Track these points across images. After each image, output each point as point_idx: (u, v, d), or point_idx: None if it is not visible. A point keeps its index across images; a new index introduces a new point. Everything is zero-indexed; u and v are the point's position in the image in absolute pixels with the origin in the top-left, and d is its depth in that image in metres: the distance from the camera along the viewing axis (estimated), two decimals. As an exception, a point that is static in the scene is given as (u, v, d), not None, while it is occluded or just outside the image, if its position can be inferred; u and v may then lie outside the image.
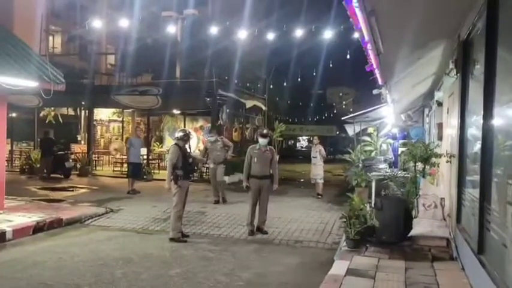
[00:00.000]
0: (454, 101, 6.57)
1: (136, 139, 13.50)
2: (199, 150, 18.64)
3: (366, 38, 4.50)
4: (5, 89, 8.45)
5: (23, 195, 10.99)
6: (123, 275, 5.72)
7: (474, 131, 5.36)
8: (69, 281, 5.43)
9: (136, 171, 13.29)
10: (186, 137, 7.82)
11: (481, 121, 4.57)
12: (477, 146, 4.98)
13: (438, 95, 9.05)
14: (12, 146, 19.32)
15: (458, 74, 6.07)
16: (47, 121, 19.60)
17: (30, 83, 8.50)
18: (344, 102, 65.20)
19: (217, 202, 11.37)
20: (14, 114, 18.96)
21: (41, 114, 19.91)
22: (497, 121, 4.23)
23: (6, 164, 13.50)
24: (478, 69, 5.01)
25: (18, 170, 17.63)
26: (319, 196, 13.08)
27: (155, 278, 5.62)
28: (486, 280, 4.04)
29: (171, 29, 18.98)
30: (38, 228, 7.87)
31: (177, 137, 7.91)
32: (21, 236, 7.46)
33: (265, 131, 8.58)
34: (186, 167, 7.66)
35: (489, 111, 4.40)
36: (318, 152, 13.33)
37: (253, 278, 5.78)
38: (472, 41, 5.47)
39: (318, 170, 13.27)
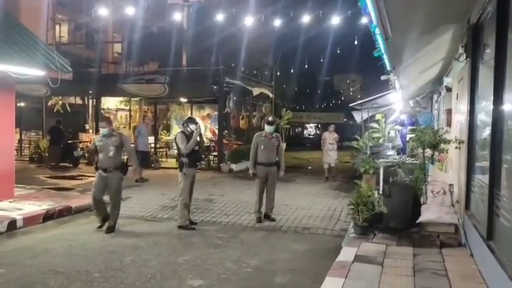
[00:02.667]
0: (464, 86, 6.49)
1: (144, 127, 13.53)
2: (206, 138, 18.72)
3: (374, 22, 4.43)
4: (13, 78, 8.49)
5: (32, 184, 11.09)
6: (132, 262, 5.77)
7: (484, 116, 5.30)
8: (79, 268, 5.49)
9: (145, 160, 13.36)
10: (185, 124, 7.76)
11: (491, 106, 4.51)
12: (487, 132, 4.94)
13: (447, 81, 8.95)
14: (21, 135, 19.48)
15: (468, 59, 5.98)
16: (55, 110, 19.69)
17: (37, 72, 8.52)
18: (351, 89, 64.91)
19: (101, 226, 7.50)
20: (22, 104, 19.10)
21: (49, 104, 19.99)
22: (507, 106, 4.18)
23: (16, 153, 13.64)
24: (489, 53, 4.94)
25: (27, 159, 17.76)
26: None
27: (164, 265, 5.67)
28: (495, 266, 4.02)
29: (177, 17, 18.87)
30: (48, 216, 7.95)
31: (183, 124, 7.92)
32: (32, 224, 7.54)
33: (271, 118, 8.53)
34: (191, 155, 7.61)
35: (499, 96, 4.35)
36: (334, 138, 14.50)
37: (261, 264, 5.81)
38: (482, 25, 5.39)
39: (335, 155, 14.47)
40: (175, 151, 8.19)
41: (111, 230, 7.31)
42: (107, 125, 7.50)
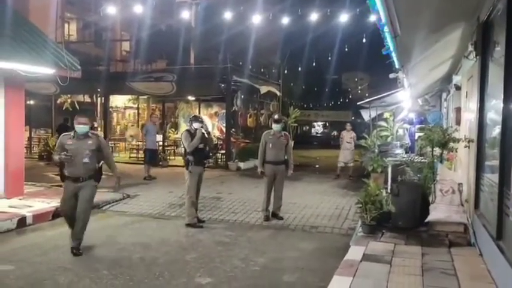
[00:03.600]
0: (473, 84, 6.44)
1: (151, 125, 13.60)
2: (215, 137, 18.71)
3: (383, 20, 4.41)
4: (22, 76, 8.55)
5: (41, 181, 11.17)
6: (141, 259, 5.80)
7: (493, 115, 5.26)
8: (88, 264, 5.52)
9: (153, 157, 13.42)
10: (190, 122, 7.79)
11: (501, 105, 4.47)
12: (496, 131, 4.89)
13: (456, 79, 8.89)
14: (30, 133, 19.65)
15: (477, 57, 5.93)
16: (63, 108, 19.83)
17: (46, 70, 8.58)
18: (360, 87, 64.64)
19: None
20: (31, 102, 19.25)
21: (58, 102, 20.15)
22: (518, 105, 4.14)
23: (25, 151, 13.74)
24: (499, 51, 4.89)
25: (36, 156, 17.91)
26: (351, 178, 13.90)
27: (172, 263, 5.69)
28: (505, 266, 3.99)
29: (185, 15, 18.89)
30: (57, 214, 7.95)
31: (189, 122, 7.94)
32: (41, 221, 7.61)
33: (277, 116, 8.54)
34: (196, 153, 7.57)
35: (509, 94, 4.31)
36: (352, 138, 14.49)
37: (268, 263, 5.82)
38: (492, 23, 5.34)
39: (352, 154, 14.42)
40: (183, 149, 8.21)
41: (76, 251, 5.90)
42: (87, 123, 6.10)
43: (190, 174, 7.57)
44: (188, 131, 7.71)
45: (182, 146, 8.15)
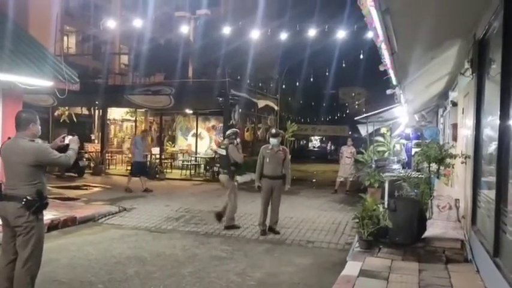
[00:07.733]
0: (470, 101, 6.49)
1: (139, 138, 13.58)
2: (211, 149, 18.76)
3: (380, 37, 4.46)
4: (21, 89, 8.57)
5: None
6: (136, 273, 5.76)
7: (490, 131, 5.29)
8: (83, 278, 5.48)
9: (143, 170, 13.30)
10: (233, 136, 8.54)
11: (497, 121, 4.50)
12: (493, 147, 4.92)
13: (453, 95, 8.96)
14: (27, 145, 19.55)
15: (473, 74, 5.99)
16: (61, 120, 19.83)
17: (45, 83, 8.60)
18: (357, 102, 65.02)
19: None
20: (29, 114, 19.24)
21: (56, 114, 20.15)
22: (514, 121, 4.17)
23: (22, 163, 13.68)
24: (495, 69, 4.95)
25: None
26: (348, 192, 13.80)
27: (168, 277, 5.65)
28: (502, 283, 3.98)
29: (184, 29, 19.09)
30: (52, 226, 7.93)
31: (229, 136, 8.62)
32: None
33: (274, 131, 8.63)
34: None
35: (506, 111, 4.34)
36: (352, 153, 14.38)
37: (265, 277, 5.78)
38: (488, 41, 5.40)
39: (351, 169, 14.20)
40: (218, 161, 8.97)
41: None
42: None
43: (235, 184, 8.44)
44: (232, 144, 8.36)
45: (217, 157, 9.09)
